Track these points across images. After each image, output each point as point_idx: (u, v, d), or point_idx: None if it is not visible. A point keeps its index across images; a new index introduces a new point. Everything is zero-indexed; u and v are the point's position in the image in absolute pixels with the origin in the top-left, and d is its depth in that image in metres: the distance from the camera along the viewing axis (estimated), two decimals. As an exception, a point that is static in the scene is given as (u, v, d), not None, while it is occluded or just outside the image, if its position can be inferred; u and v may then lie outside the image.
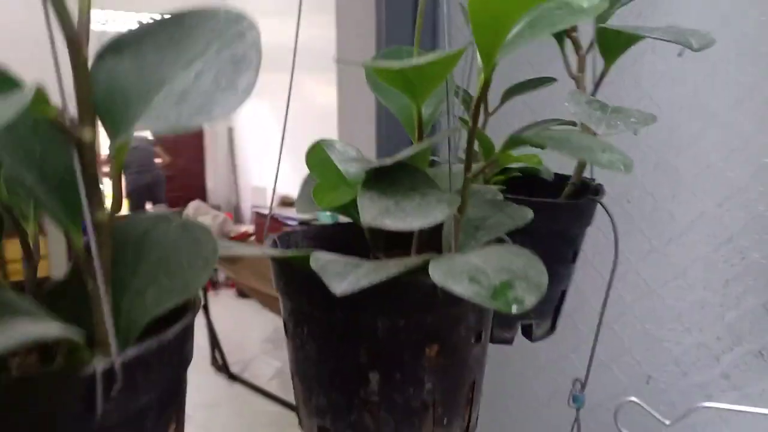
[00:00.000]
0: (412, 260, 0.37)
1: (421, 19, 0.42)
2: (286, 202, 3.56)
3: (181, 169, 5.00)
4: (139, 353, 0.27)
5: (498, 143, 0.42)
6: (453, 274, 0.33)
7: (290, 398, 2.70)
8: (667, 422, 0.56)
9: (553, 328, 0.59)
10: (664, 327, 0.69)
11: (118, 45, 0.27)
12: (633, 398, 0.55)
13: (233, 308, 3.56)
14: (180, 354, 0.31)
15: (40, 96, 0.22)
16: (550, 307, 0.57)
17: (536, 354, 0.80)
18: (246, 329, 3.29)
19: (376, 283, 0.36)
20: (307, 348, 0.43)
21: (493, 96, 0.62)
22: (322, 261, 0.37)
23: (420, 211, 0.35)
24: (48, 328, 0.23)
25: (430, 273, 0.34)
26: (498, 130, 0.57)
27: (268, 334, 3.25)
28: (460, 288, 0.32)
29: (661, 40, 0.51)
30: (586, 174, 0.61)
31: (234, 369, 2.79)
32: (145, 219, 0.34)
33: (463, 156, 0.55)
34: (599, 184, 0.58)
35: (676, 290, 0.68)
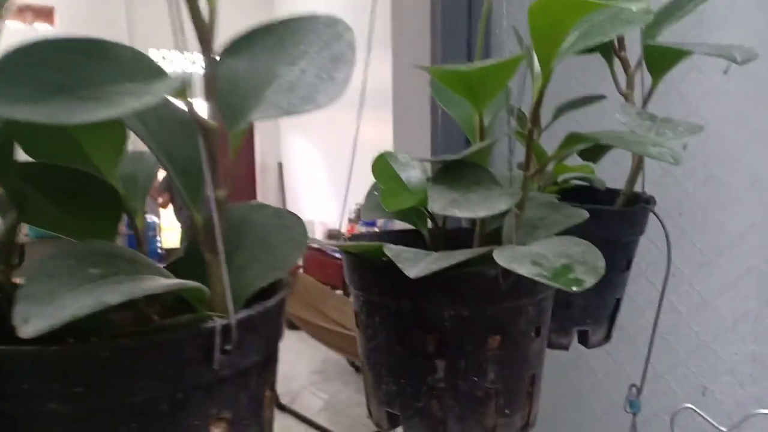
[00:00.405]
0: (477, 250, 0.40)
1: (482, 41, 0.47)
2: (332, 235, 3.63)
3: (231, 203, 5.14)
4: (250, 315, 0.31)
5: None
6: (516, 258, 0.37)
7: (338, 431, 2.68)
8: (724, 429, 0.56)
9: (608, 335, 0.60)
10: (719, 338, 0.69)
11: (235, 47, 0.32)
12: (689, 405, 0.56)
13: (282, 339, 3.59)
14: (276, 325, 0.35)
15: (185, 84, 0.26)
16: (605, 313, 0.59)
17: (591, 367, 0.81)
18: (294, 361, 3.31)
19: (443, 276, 0.40)
20: (377, 338, 0.46)
21: (544, 115, 0.65)
22: (395, 250, 0.41)
23: (485, 202, 0.38)
24: (186, 282, 0.27)
25: (495, 258, 0.37)
26: (549, 145, 0.60)
27: (317, 365, 3.27)
28: (524, 269, 0.35)
29: (707, 54, 0.54)
30: (638, 188, 0.63)
31: (283, 400, 2.82)
32: (243, 207, 0.39)
33: (515, 169, 0.58)
34: (650, 196, 0.60)
35: (729, 301, 0.69)
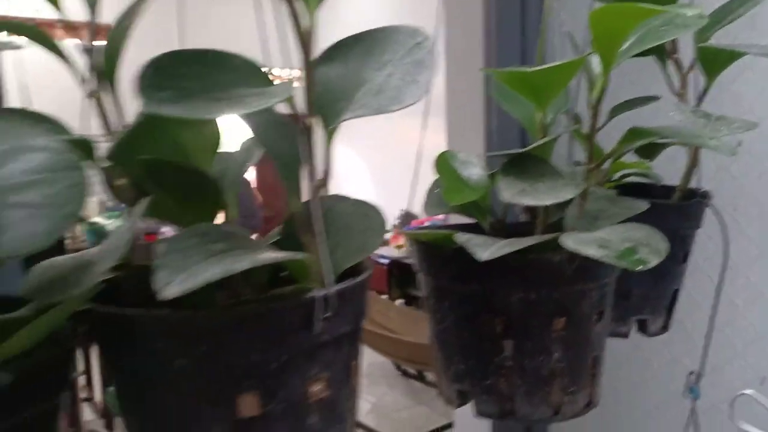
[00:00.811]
0: (544, 236, 0.44)
1: (542, 46, 0.50)
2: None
3: (278, 211, 5.26)
4: (344, 287, 0.35)
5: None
6: (583, 242, 0.40)
7: (386, 433, 2.69)
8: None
9: (666, 325, 0.62)
10: (778, 331, 0.70)
11: (329, 56, 0.36)
12: (748, 391, 0.57)
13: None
14: (362, 300, 0.39)
15: (291, 91, 0.31)
16: (663, 304, 0.61)
17: (648, 359, 0.82)
18: (341, 367, 3.36)
19: (510, 262, 0.43)
20: (447, 321, 0.50)
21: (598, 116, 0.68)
22: (465, 236, 0.44)
23: (552, 192, 0.41)
24: (296, 254, 0.32)
25: (562, 242, 0.40)
26: (605, 145, 0.63)
27: (363, 369, 3.31)
28: (591, 251, 0.38)
29: (760, 55, 0.55)
30: (693, 184, 0.65)
31: (330, 406, 2.86)
32: (327, 198, 0.43)
33: (573, 166, 0.61)
34: (706, 191, 0.62)
35: (787, 294, 0.69)
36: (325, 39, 0.37)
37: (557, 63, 0.40)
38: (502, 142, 0.80)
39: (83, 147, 0.31)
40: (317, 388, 0.36)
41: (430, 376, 3.30)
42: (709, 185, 0.66)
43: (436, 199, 0.60)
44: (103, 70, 0.35)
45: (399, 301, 4.08)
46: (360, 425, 2.68)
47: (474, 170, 0.57)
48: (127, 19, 0.34)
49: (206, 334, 0.32)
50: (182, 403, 0.33)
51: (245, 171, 0.47)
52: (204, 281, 0.28)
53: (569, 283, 0.46)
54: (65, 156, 0.27)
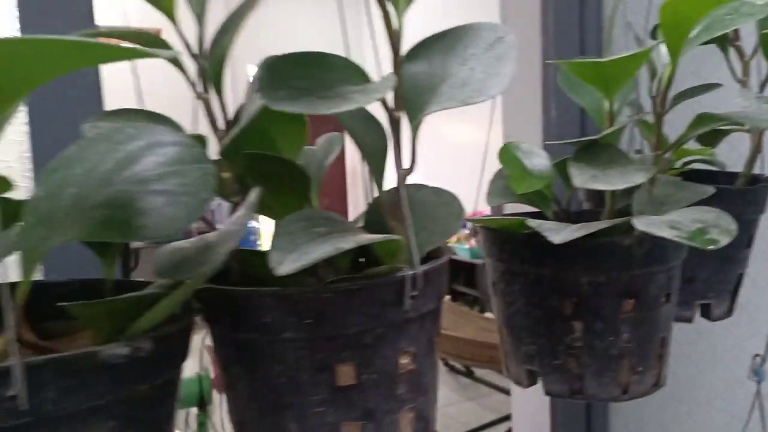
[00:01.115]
0: (615, 220, 0.46)
1: (609, 36, 0.52)
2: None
3: (325, 208, 5.34)
4: (430, 268, 0.38)
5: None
6: (655, 224, 0.42)
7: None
8: None
9: (730, 310, 0.63)
10: None
11: (414, 52, 0.39)
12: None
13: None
14: (443, 281, 0.42)
15: (390, 86, 0.34)
16: (728, 288, 0.62)
17: (712, 344, 0.82)
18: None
19: (581, 246, 0.45)
20: (517, 303, 0.52)
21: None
22: (537, 221, 0.47)
23: (622, 177, 0.43)
24: (390, 236, 0.35)
25: (634, 224, 0.42)
26: (666, 133, 0.64)
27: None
28: (663, 232, 0.40)
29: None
30: (756, 170, 0.65)
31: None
32: (409, 186, 0.46)
33: (636, 155, 0.62)
34: (770, 176, 0.62)
35: None
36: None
37: (628, 53, 0.42)
38: (561, 132, 0.82)
39: (202, 143, 0.35)
40: (405, 361, 0.39)
41: (477, 372, 3.32)
42: (773, 171, 0.66)
43: (499, 188, 0.62)
44: (210, 75, 0.39)
45: (446, 297, 4.11)
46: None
47: (538, 160, 0.59)
48: (230, 29, 0.38)
49: (312, 307, 0.35)
50: (287, 373, 0.37)
51: (327, 164, 0.50)
52: (317, 258, 0.32)
53: (638, 265, 0.48)
54: (195, 150, 0.31)
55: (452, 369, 3.42)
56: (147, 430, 0.33)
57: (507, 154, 0.60)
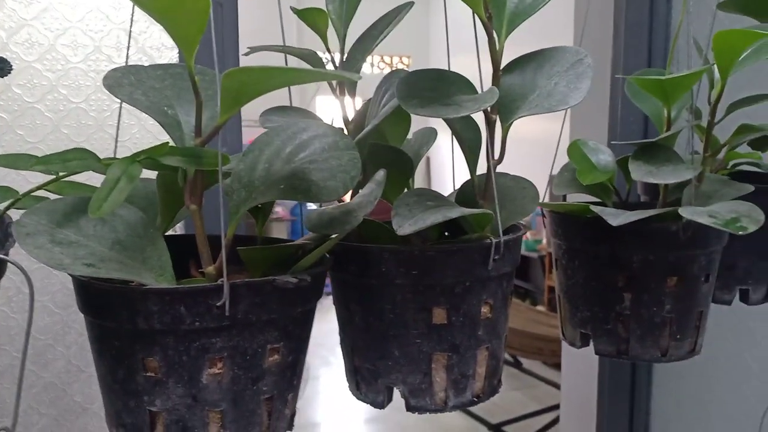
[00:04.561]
0: (665, 209, 0.55)
1: (672, 53, 0.61)
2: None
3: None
4: (509, 238, 0.49)
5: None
6: (697, 212, 0.51)
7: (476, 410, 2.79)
8: None
9: (766, 297, 0.71)
10: None
11: (510, 67, 0.49)
12: None
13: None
14: (518, 250, 0.52)
15: (496, 96, 0.44)
16: (765, 276, 0.70)
17: (751, 330, 0.89)
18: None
19: (635, 229, 0.55)
20: (576, 276, 0.62)
21: (718, 112, 0.76)
22: (600, 207, 0.56)
23: (673, 173, 0.53)
24: (484, 210, 0.45)
25: (680, 212, 0.51)
26: (723, 137, 0.71)
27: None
28: (702, 219, 0.50)
29: None
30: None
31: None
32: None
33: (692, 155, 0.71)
34: (814, 179, 0.69)
35: None
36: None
37: (685, 72, 0.51)
38: (625, 133, 0.90)
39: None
40: (485, 309, 0.50)
41: (525, 363, 3.38)
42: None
43: (566, 180, 0.71)
44: (348, 83, 0.51)
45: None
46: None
47: (603, 156, 0.68)
48: (365, 48, 0.49)
49: (419, 261, 0.47)
50: (395, 311, 0.48)
51: (423, 153, 0.62)
52: (430, 223, 0.43)
53: (683, 248, 0.57)
54: (346, 140, 0.43)
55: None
56: (295, 342, 0.45)
57: (576, 149, 0.70)
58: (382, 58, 5.79)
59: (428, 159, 5.91)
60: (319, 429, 2.83)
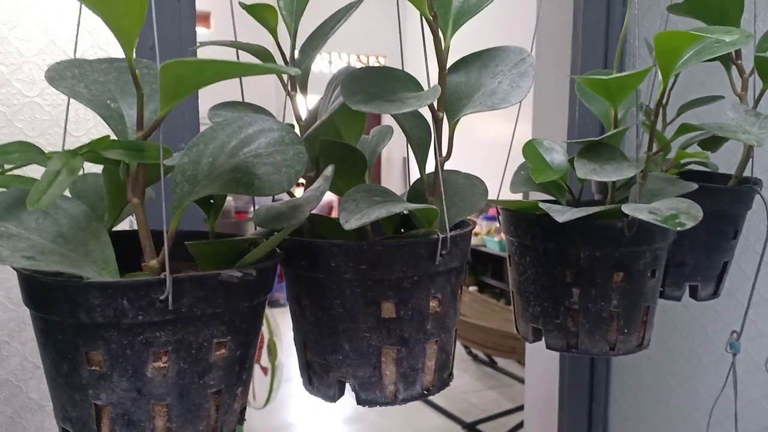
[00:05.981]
0: (610, 206, 0.56)
1: (619, 53, 0.62)
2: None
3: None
4: (456, 233, 0.50)
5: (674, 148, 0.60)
6: (638, 209, 0.52)
7: (456, 413, 2.81)
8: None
9: (716, 292, 0.73)
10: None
11: (456, 66, 0.50)
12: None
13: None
14: (467, 246, 0.53)
15: (437, 94, 0.45)
16: (714, 273, 0.72)
17: (703, 327, 0.92)
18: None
19: (582, 226, 0.56)
20: (528, 272, 0.64)
21: (671, 112, 0.79)
22: (547, 204, 0.58)
23: (617, 170, 0.54)
24: (429, 206, 0.46)
25: (623, 209, 0.53)
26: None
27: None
28: (643, 216, 0.51)
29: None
30: (747, 173, 0.75)
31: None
32: (444, 171, 0.57)
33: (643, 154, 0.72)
34: (758, 179, 0.72)
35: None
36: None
37: (628, 72, 0.52)
38: (583, 132, 0.92)
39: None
40: (433, 304, 0.51)
41: (500, 362, 3.41)
42: (764, 175, 0.76)
43: (522, 178, 0.73)
44: (299, 78, 0.51)
45: (472, 288, 4.20)
46: (431, 405, 2.83)
47: (556, 155, 0.70)
48: (316, 43, 0.50)
49: (367, 256, 0.47)
50: (344, 305, 0.49)
51: (379, 151, 0.62)
52: (375, 218, 0.44)
53: (628, 244, 0.58)
54: (292, 135, 0.43)
55: (475, 358, 3.52)
56: (243, 336, 0.46)
57: (530, 149, 0.71)
58: (358, 57, 5.77)
59: (405, 160, 5.94)
60: (294, 429, 2.82)
